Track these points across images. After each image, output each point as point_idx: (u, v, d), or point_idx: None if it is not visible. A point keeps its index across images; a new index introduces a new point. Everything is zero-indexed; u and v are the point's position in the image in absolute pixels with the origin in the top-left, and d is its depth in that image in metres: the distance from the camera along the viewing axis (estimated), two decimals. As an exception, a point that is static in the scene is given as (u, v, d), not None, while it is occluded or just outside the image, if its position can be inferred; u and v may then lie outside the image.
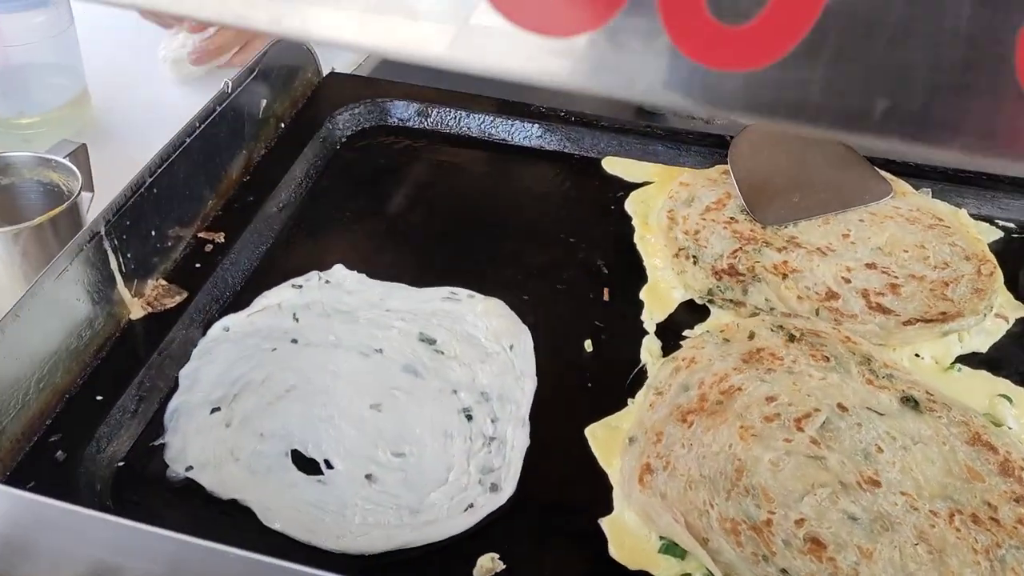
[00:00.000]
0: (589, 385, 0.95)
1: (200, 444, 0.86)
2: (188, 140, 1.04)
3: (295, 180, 1.18)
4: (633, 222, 1.17)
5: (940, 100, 0.30)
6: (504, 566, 0.78)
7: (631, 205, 1.20)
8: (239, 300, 1.02)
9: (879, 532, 0.79)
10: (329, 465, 0.86)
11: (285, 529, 0.80)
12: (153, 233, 0.99)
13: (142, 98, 1.41)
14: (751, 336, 0.97)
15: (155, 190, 0.99)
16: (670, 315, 1.04)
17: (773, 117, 0.31)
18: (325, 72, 1.36)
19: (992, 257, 1.09)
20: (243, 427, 0.88)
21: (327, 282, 1.05)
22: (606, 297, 1.06)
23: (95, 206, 1.01)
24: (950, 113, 0.31)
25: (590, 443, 0.89)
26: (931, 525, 0.80)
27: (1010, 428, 0.90)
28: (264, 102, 1.20)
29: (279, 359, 0.95)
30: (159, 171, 0.99)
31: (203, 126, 1.06)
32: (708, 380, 0.92)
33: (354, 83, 1.36)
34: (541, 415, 0.91)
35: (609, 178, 1.25)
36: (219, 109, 1.09)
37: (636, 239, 1.14)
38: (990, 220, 1.19)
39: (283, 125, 1.25)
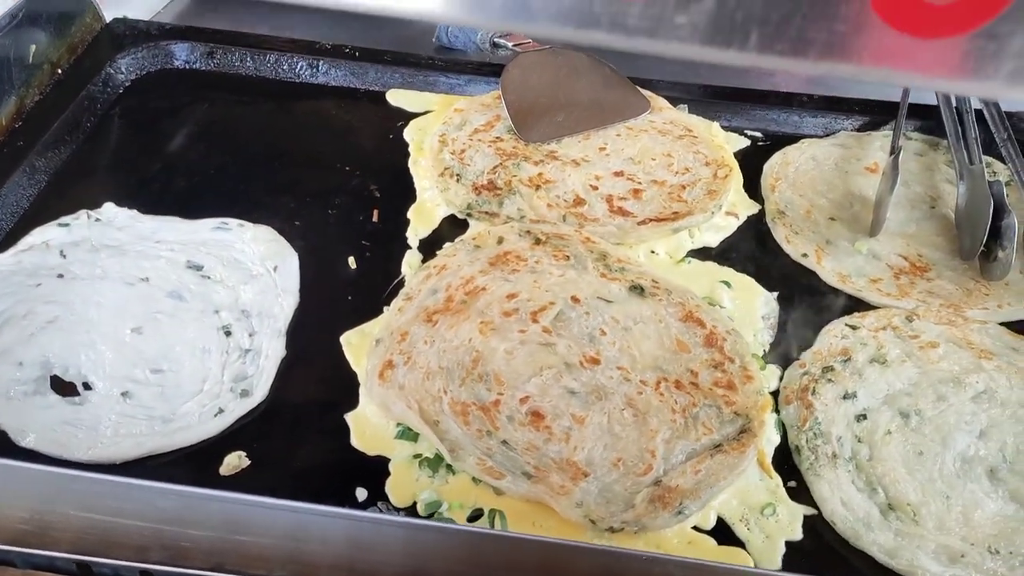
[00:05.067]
0: (349, 298, 1.01)
1: (-45, 376, 0.89)
2: (-61, 85, 1.03)
3: (70, 125, 1.19)
4: (409, 148, 1.22)
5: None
6: (250, 462, 0.84)
7: (409, 133, 1.25)
8: (7, 242, 1.03)
9: (593, 402, 0.88)
10: (88, 387, 0.89)
11: (37, 446, 0.84)
12: (-94, 178, 0.99)
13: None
14: (500, 241, 1.04)
15: (-97, 135, 0.98)
16: (433, 231, 1.10)
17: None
18: (108, 18, 1.35)
19: (731, 162, 1.19)
20: (2, 358, 0.91)
21: (97, 220, 1.07)
22: (375, 218, 1.12)
23: None
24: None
25: (344, 349, 0.95)
26: (639, 392, 0.89)
27: (723, 307, 1.01)
28: (34, 47, 1.20)
29: (43, 294, 0.97)
30: (-96, 115, 0.98)
31: (-44, 71, 1.06)
32: (455, 283, 0.99)
33: (138, 27, 1.36)
34: (301, 328, 0.97)
35: (392, 109, 1.30)
36: (-25, 54, 1.09)
37: (410, 164, 1.20)
38: (739, 131, 1.29)
39: (60, 71, 1.25)
